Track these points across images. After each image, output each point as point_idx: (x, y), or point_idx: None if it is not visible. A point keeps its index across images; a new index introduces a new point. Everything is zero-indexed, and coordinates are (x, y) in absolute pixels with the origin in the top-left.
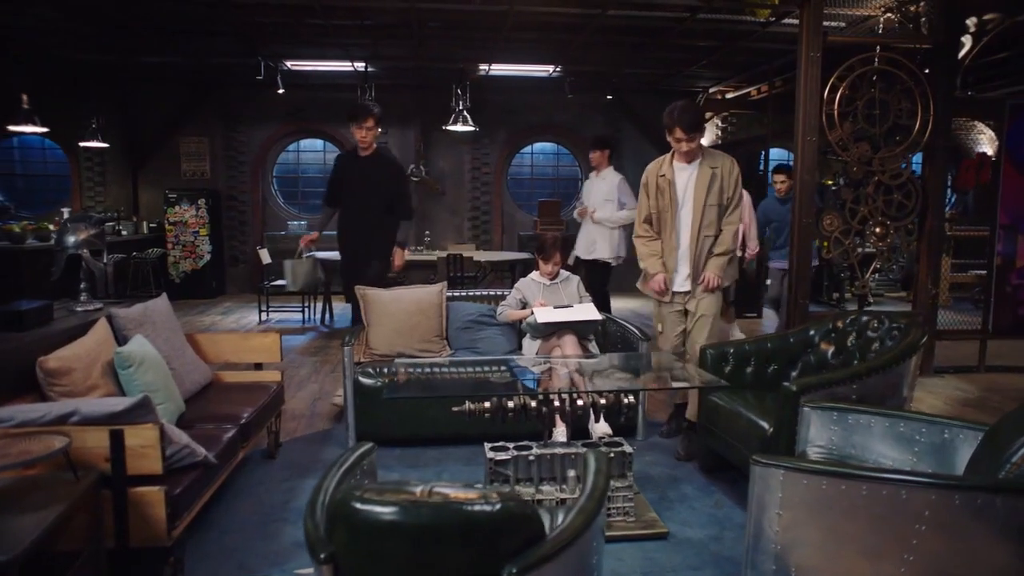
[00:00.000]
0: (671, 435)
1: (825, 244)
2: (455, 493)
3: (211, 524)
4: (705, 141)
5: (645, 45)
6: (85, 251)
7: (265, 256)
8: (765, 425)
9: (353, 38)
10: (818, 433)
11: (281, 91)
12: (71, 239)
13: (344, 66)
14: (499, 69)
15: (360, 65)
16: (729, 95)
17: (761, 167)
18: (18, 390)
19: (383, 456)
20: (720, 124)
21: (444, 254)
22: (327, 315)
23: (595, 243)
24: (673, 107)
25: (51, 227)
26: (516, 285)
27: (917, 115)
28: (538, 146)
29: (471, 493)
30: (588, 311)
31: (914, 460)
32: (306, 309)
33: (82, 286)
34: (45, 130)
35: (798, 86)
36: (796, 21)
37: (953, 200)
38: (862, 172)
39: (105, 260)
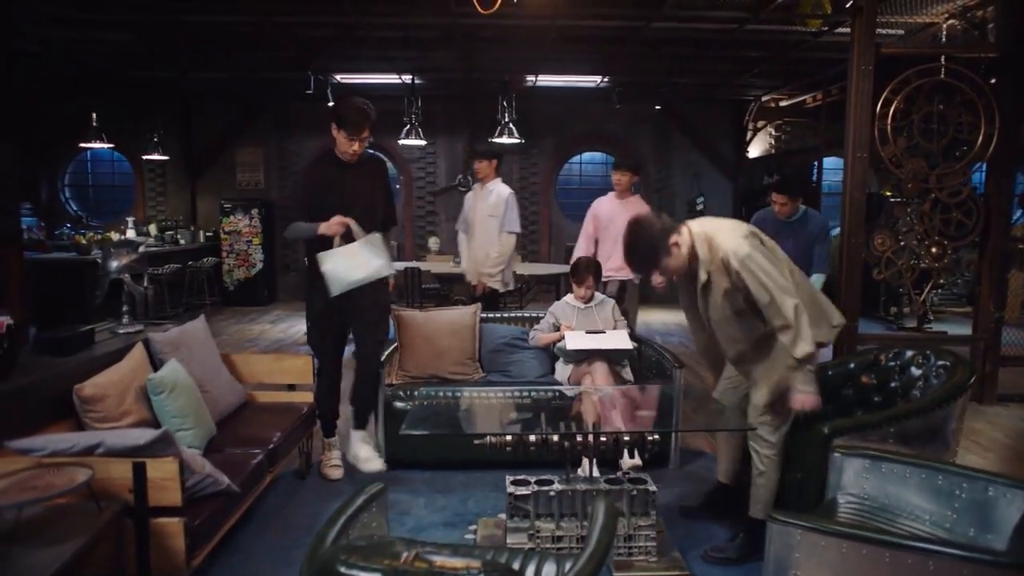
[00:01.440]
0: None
1: (876, 264)
2: (441, 561)
3: (237, 547)
4: (757, 150)
5: (693, 56)
6: (126, 275)
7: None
8: (794, 470)
9: (399, 50)
10: (850, 480)
11: (331, 104)
12: (113, 264)
13: (392, 78)
14: (546, 80)
15: (407, 77)
16: (783, 103)
17: (815, 178)
18: (58, 415)
19: (411, 479)
20: (773, 133)
21: None
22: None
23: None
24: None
25: (114, 238)
26: (550, 308)
27: (980, 128)
28: (587, 156)
29: (457, 562)
30: (620, 339)
31: (953, 518)
32: None
33: (124, 308)
34: (110, 146)
35: (848, 100)
36: (849, 30)
37: (1021, 215)
38: (917, 189)
39: (146, 284)
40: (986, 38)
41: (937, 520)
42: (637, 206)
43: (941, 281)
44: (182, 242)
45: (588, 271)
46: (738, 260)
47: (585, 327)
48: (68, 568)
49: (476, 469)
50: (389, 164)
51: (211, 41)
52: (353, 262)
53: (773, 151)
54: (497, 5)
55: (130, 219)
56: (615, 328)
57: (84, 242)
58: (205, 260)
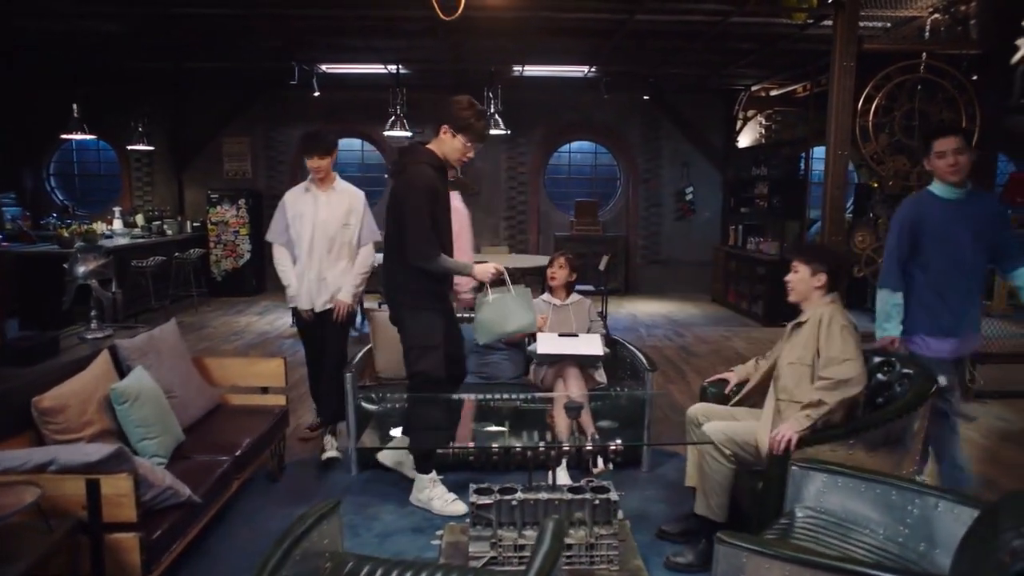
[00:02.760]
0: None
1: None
2: None
3: (206, 551)
4: (747, 140)
5: (679, 48)
6: (94, 281)
7: None
8: (755, 480)
9: (384, 40)
10: (809, 494)
11: (317, 94)
12: (80, 269)
13: (378, 68)
14: (534, 70)
15: (393, 68)
16: (774, 92)
17: (802, 170)
18: (19, 427)
19: (383, 480)
20: (764, 122)
21: None
22: (357, 317)
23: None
24: None
25: (99, 230)
26: None
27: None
28: (576, 145)
29: None
30: (592, 344)
31: (906, 532)
32: None
33: (92, 314)
34: (92, 137)
35: (830, 96)
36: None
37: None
38: (899, 187)
39: (114, 289)
40: (968, 34)
41: (890, 535)
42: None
43: None
44: (169, 232)
45: (561, 255)
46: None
47: (558, 326)
48: None
49: (450, 471)
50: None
51: (198, 32)
52: (506, 312)
53: (763, 140)
54: (459, 11)
55: (117, 209)
56: (589, 330)
57: (66, 235)
58: (191, 251)
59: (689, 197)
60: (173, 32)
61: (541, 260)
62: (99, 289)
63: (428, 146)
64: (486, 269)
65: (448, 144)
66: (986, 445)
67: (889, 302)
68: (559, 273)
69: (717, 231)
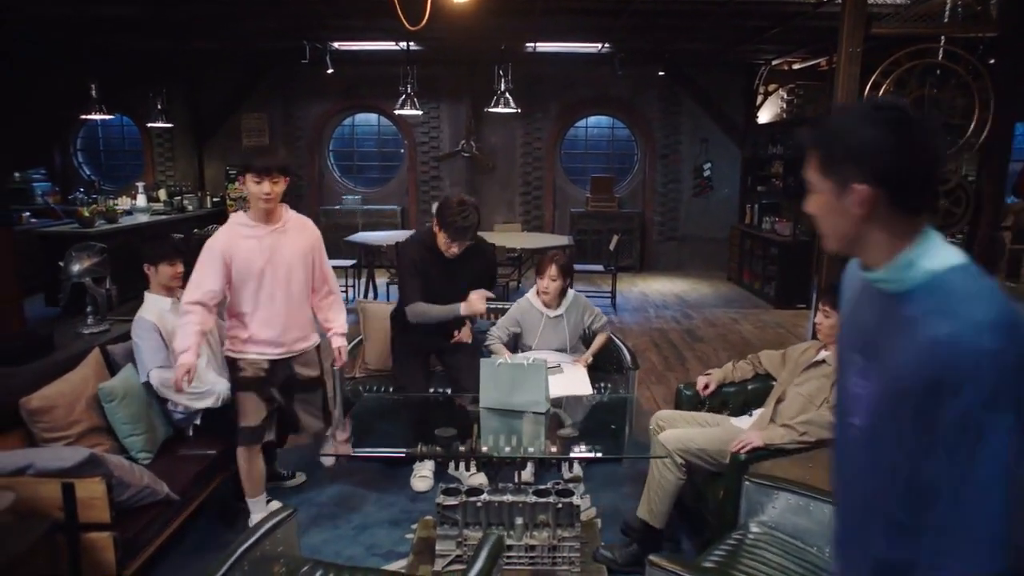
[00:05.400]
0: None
1: None
2: None
3: (189, 544)
4: (767, 115)
5: (690, 27)
6: (88, 279)
7: None
8: (715, 492)
9: (391, 21)
10: (762, 508)
11: (330, 71)
12: (75, 268)
13: (390, 45)
14: (547, 46)
15: (404, 44)
16: (796, 66)
17: None
18: (10, 425)
19: (366, 471)
20: (785, 96)
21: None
22: (370, 293)
23: None
24: None
25: (121, 207)
26: (511, 310)
27: (974, 113)
28: (592, 119)
29: None
30: (578, 383)
31: None
32: (351, 288)
33: (88, 310)
34: (110, 117)
35: (836, 84)
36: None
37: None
38: None
39: (108, 286)
40: (988, 14)
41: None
42: None
43: None
44: (189, 208)
45: (551, 262)
46: None
47: (551, 339)
48: None
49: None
50: None
51: (205, 16)
52: (514, 385)
53: (784, 115)
54: (424, 23)
55: (140, 184)
56: (589, 327)
57: (87, 215)
58: (209, 228)
59: (707, 173)
60: (183, 12)
61: (555, 240)
62: (93, 287)
63: (435, 228)
64: (472, 304)
65: (438, 234)
66: None
67: None
68: (551, 287)
69: (736, 209)
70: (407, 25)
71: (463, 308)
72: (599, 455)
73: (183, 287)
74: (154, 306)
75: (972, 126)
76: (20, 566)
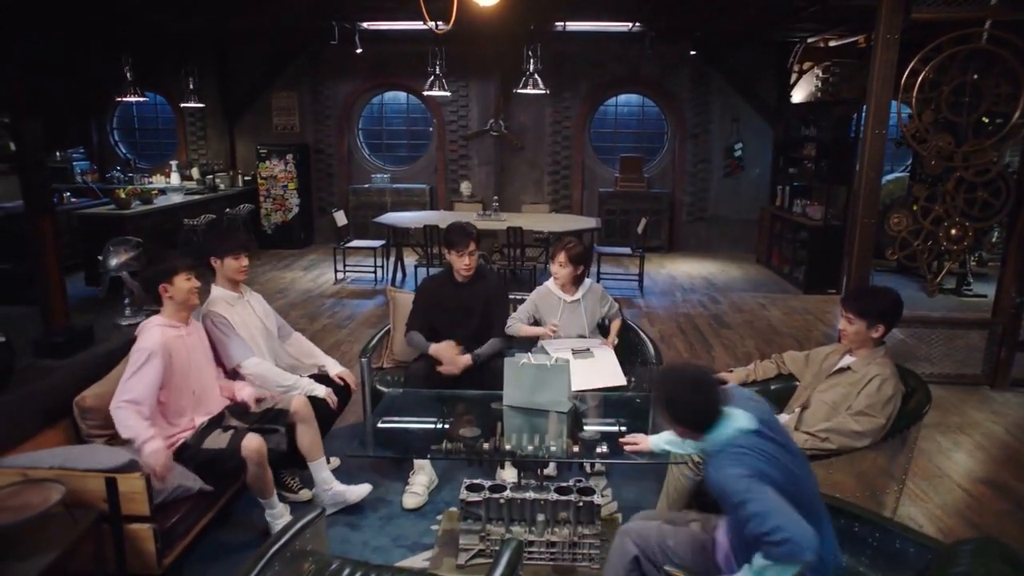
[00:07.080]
0: None
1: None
2: None
3: (216, 542)
4: (801, 94)
5: (725, 8)
6: (124, 273)
7: (340, 218)
8: None
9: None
10: None
11: (359, 51)
12: (112, 262)
13: (419, 25)
14: (576, 24)
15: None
16: (833, 43)
17: (852, 131)
18: (57, 419)
19: (394, 463)
20: (820, 75)
21: (503, 226)
22: (399, 274)
23: None
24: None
25: (155, 186)
26: (531, 295)
27: (1019, 100)
28: (623, 98)
29: None
30: (610, 371)
31: (867, 563)
32: (379, 269)
33: (125, 302)
34: (144, 99)
35: (871, 72)
36: None
37: None
38: (940, 167)
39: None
40: None
41: (850, 568)
42: None
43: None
44: (221, 187)
45: (563, 249)
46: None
47: (570, 325)
48: (50, 572)
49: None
50: None
51: None
52: (537, 385)
53: (819, 95)
54: (451, 23)
55: (174, 163)
56: (605, 317)
57: (123, 196)
58: (241, 207)
59: (738, 153)
60: None
61: (582, 222)
62: (130, 280)
63: (448, 258)
64: (446, 362)
65: (452, 260)
66: (1007, 442)
67: None
68: (561, 273)
69: (766, 190)
70: (435, 29)
71: (439, 353)
72: (618, 460)
73: (241, 282)
74: (223, 300)
75: (1017, 114)
76: (71, 555)
